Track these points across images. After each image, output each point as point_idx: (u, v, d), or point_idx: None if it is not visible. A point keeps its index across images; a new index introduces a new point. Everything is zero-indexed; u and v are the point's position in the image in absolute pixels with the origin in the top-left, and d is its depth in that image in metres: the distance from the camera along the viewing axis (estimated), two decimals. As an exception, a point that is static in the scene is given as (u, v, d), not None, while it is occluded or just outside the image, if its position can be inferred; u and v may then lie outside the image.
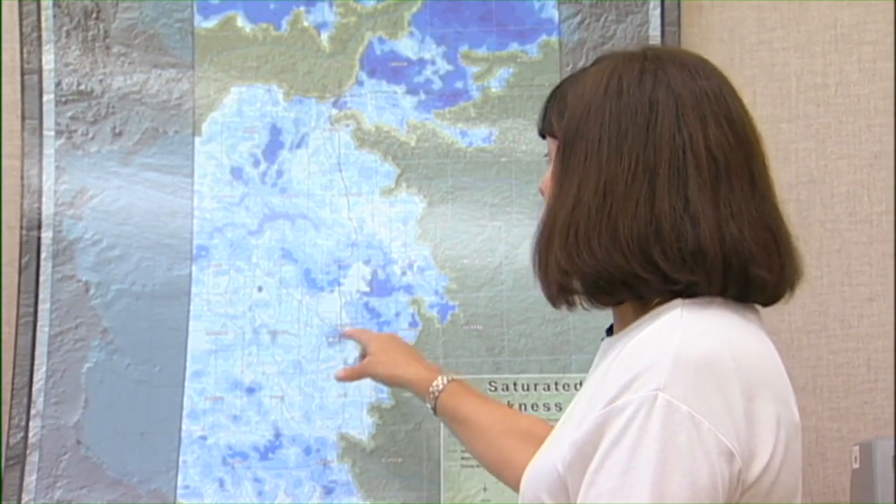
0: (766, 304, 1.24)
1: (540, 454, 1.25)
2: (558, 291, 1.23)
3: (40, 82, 2.00)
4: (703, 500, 1.08)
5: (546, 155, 1.32)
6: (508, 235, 1.93)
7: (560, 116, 1.25)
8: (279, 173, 1.98)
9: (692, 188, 1.17)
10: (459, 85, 1.98)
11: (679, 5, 1.96)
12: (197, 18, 2.01)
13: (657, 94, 1.20)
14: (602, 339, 1.31)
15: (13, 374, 1.94)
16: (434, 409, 1.66)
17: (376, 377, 1.77)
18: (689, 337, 1.13)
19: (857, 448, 1.70)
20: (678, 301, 1.18)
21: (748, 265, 1.18)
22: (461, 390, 1.66)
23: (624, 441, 1.09)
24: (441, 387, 1.65)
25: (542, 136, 1.32)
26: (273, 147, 1.99)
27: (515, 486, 1.52)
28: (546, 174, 1.30)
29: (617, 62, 1.25)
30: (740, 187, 1.19)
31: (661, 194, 1.17)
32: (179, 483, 1.90)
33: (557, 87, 1.30)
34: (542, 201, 1.30)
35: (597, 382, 1.19)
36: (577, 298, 1.23)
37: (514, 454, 1.56)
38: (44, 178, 1.98)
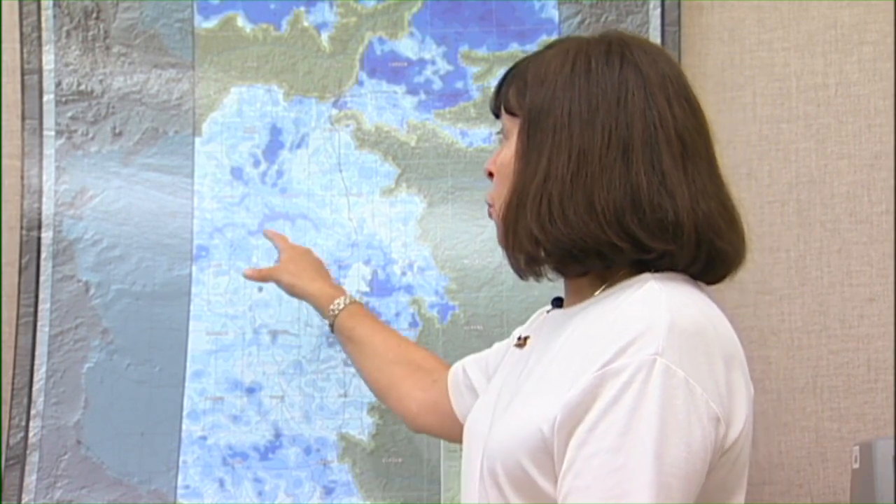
0: (718, 280, 1.28)
1: (504, 421, 1.25)
2: (527, 262, 1.26)
3: (40, 82, 2.00)
4: (696, 462, 1.12)
5: (499, 132, 1.35)
6: (508, 235, 1.93)
7: (520, 94, 1.28)
8: (279, 173, 1.98)
9: (666, 163, 1.22)
10: (459, 85, 1.98)
11: (679, 5, 1.96)
12: (197, 18, 2.01)
13: (626, 74, 1.24)
14: (547, 311, 1.34)
15: (13, 374, 1.94)
16: (332, 326, 1.72)
17: (280, 284, 1.81)
18: (676, 306, 1.16)
19: (857, 448, 1.70)
20: (647, 275, 1.22)
21: (714, 240, 1.23)
22: (360, 312, 1.72)
23: (622, 402, 1.11)
24: (342, 306, 1.71)
25: (497, 114, 1.34)
26: (273, 147, 1.99)
27: (398, 410, 1.64)
28: (495, 155, 1.33)
29: (581, 43, 1.28)
30: (703, 166, 1.25)
31: (636, 167, 1.21)
32: (179, 483, 1.90)
33: (513, 67, 1.33)
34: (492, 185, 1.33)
35: (575, 349, 1.20)
36: (544, 269, 1.27)
37: (401, 382, 1.64)
38: (44, 178, 1.98)
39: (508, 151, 1.29)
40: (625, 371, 1.12)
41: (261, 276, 1.84)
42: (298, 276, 1.78)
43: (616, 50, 1.26)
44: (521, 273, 1.29)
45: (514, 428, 1.21)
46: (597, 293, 1.25)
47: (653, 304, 1.17)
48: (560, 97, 1.24)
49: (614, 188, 1.20)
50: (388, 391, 1.67)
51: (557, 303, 1.35)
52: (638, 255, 1.21)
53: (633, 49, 1.26)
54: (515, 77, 1.31)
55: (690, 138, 1.24)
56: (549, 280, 1.29)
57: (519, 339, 1.39)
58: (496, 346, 1.55)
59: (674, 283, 1.21)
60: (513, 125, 1.30)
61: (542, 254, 1.24)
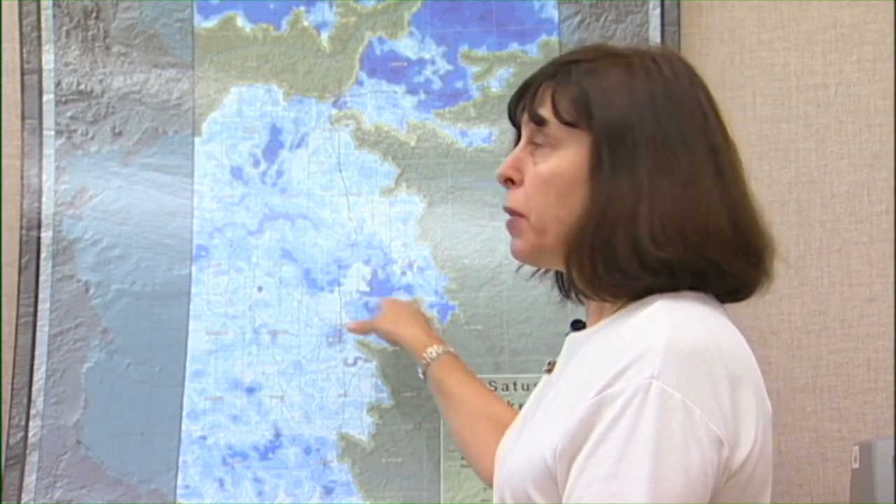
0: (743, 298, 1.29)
1: (516, 450, 1.26)
2: (616, 281, 1.23)
3: (40, 82, 2.00)
4: (696, 487, 1.10)
5: (532, 141, 1.29)
6: (508, 235, 1.92)
7: (582, 106, 1.25)
8: (279, 173, 1.98)
9: (743, 182, 1.26)
10: (459, 85, 1.98)
11: (679, 5, 1.96)
12: (197, 18, 2.01)
13: (697, 93, 1.26)
14: (567, 335, 1.33)
15: (13, 374, 1.94)
16: (424, 373, 1.74)
17: (380, 331, 1.85)
18: (677, 327, 1.15)
19: (857, 448, 1.70)
20: (656, 295, 1.21)
21: (768, 260, 1.27)
22: (452, 364, 1.73)
23: (618, 428, 1.10)
24: (434, 355, 1.73)
25: (537, 122, 1.28)
26: (273, 147, 1.99)
27: (475, 467, 1.62)
28: (515, 161, 1.29)
29: (642, 58, 1.27)
30: (748, 187, 1.28)
31: (730, 189, 1.23)
32: (179, 483, 1.90)
33: (555, 74, 1.28)
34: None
35: (582, 374, 1.20)
36: (618, 289, 1.24)
37: (482, 438, 1.63)
38: (44, 178, 1.98)
39: (564, 162, 1.25)
40: (621, 396, 1.11)
41: (362, 328, 1.87)
42: (396, 322, 1.81)
43: (681, 70, 1.27)
44: (579, 291, 1.27)
45: (521, 457, 1.21)
46: (609, 315, 1.25)
47: (652, 326, 1.15)
48: (644, 115, 1.23)
49: (720, 210, 1.21)
50: (469, 447, 1.67)
51: (576, 325, 1.34)
52: (730, 281, 1.23)
53: (691, 68, 1.29)
54: (564, 84, 1.27)
55: (740, 158, 1.28)
56: (581, 302, 1.30)
57: (549, 364, 1.38)
58: None
59: (681, 303, 1.20)
60: (569, 136, 1.25)
61: (643, 273, 1.21)
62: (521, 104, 1.32)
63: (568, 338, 1.34)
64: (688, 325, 1.15)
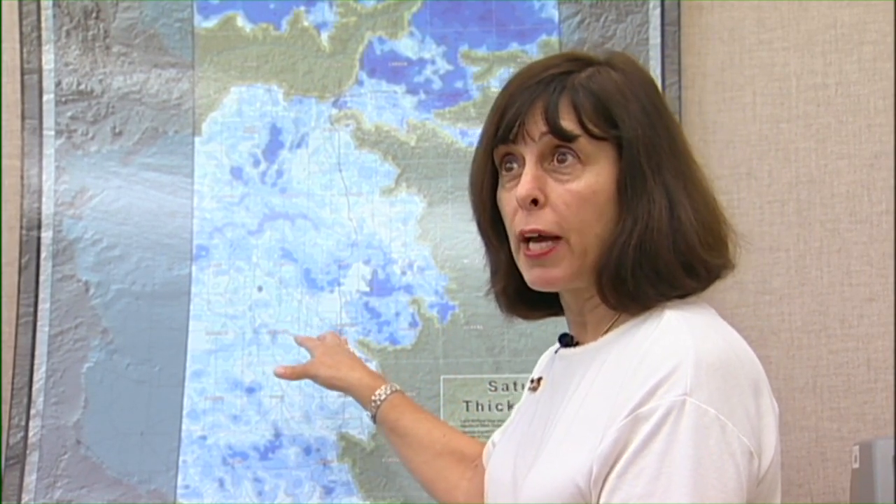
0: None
1: (533, 477, 1.22)
2: (665, 287, 1.21)
3: (40, 82, 2.00)
4: (734, 499, 1.10)
5: (537, 156, 1.24)
6: (508, 235, 1.92)
7: (605, 118, 1.22)
8: (279, 173, 1.98)
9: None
10: (459, 85, 1.98)
11: (679, 5, 1.96)
12: (197, 18, 2.01)
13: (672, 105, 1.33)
14: (556, 350, 1.31)
15: (13, 374, 1.94)
16: (373, 417, 1.70)
17: (317, 378, 1.78)
18: (700, 340, 1.14)
19: (857, 448, 1.70)
20: (661, 305, 1.20)
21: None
22: (402, 403, 1.68)
23: (653, 446, 1.09)
24: (384, 396, 1.68)
25: (564, 139, 1.23)
26: (273, 147, 1.99)
27: (446, 501, 1.57)
28: (534, 180, 1.23)
29: (632, 64, 1.29)
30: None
31: (705, 186, 1.27)
32: (179, 483, 1.90)
33: (564, 87, 1.24)
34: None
35: (601, 393, 1.18)
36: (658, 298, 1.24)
37: (448, 474, 1.59)
38: (44, 178, 1.98)
39: (598, 179, 1.22)
40: (655, 414, 1.10)
41: (296, 374, 1.80)
42: (336, 367, 1.75)
43: (645, 74, 1.31)
44: (614, 304, 1.23)
45: (547, 482, 1.19)
46: (612, 328, 1.23)
47: (676, 340, 1.14)
48: (658, 125, 1.24)
49: (714, 209, 1.25)
50: (435, 484, 1.62)
51: (565, 339, 1.32)
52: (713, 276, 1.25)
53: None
54: (582, 96, 1.23)
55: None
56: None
57: (532, 381, 1.37)
58: (516, 407, 1.50)
59: (692, 312, 1.19)
60: (597, 151, 1.22)
61: (689, 281, 1.21)
62: (518, 121, 1.26)
63: (558, 354, 1.32)
64: (708, 338, 1.15)
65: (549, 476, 1.19)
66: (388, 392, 1.69)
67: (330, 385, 1.78)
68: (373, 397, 1.69)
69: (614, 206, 1.22)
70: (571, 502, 1.15)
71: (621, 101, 1.23)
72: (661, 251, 1.19)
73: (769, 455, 1.14)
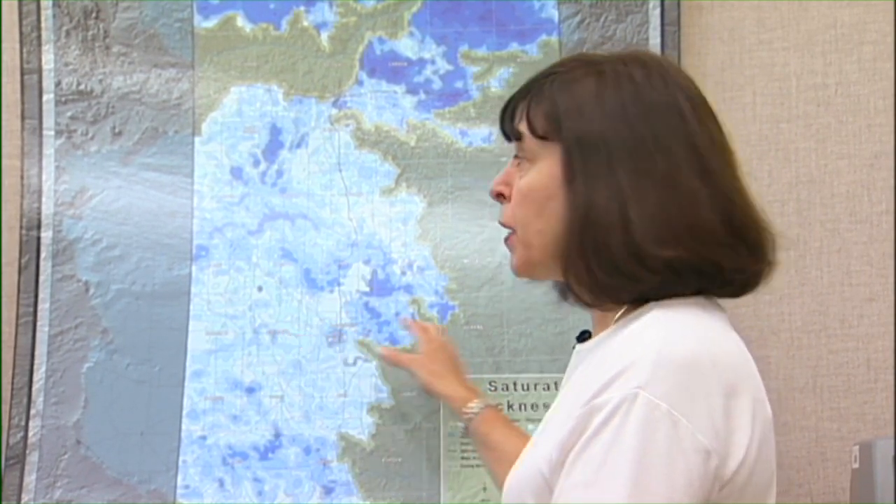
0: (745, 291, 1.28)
1: (521, 460, 1.26)
2: (620, 285, 1.22)
3: (40, 82, 2.00)
4: (680, 497, 1.10)
5: (517, 156, 1.31)
6: (508, 235, 1.92)
7: (552, 118, 1.26)
8: (279, 173, 1.98)
9: (726, 179, 1.24)
10: (459, 85, 1.98)
11: (679, 5, 1.96)
12: (197, 18, 2.01)
13: (673, 93, 1.24)
14: (574, 347, 1.33)
15: (13, 374, 1.94)
16: (466, 429, 1.78)
17: (415, 378, 1.84)
18: (669, 336, 1.15)
19: (857, 448, 1.70)
20: (652, 304, 1.21)
21: (768, 253, 1.26)
22: (494, 418, 1.75)
23: (601, 436, 1.11)
24: (476, 410, 1.75)
25: (514, 137, 1.30)
26: (273, 147, 1.99)
27: None
28: (506, 176, 1.30)
29: (612, 63, 1.27)
30: (741, 181, 1.27)
31: (715, 187, 1.22)
32: (179, 483, 1.90)
33: (531, 89, 1.30)
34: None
35: (580, 385, 1.20)
36: (624, 293, 1.24)
37: None
38: (44, 178, 1.98)
39: (539, 175, 1.26)
40: (608, 404, 1.11)
41: (397, 361, 1.86)
42: (437, 375, 1.81)
43: (655, 71, 1.26)
44: (618, 296, 1.24)
45: (524, 468, 1.22)
46: (610, 326, 1.24)
47: (644, 336, 1.16)
48: (615, 123, 1.23)
49: (708, 207, 1.21)
50: None
51: (582, 336, 1.33)
52: (734, 276, 1.22)
53: (669, 69, 1.27)
54: (538, 98, 1.28)
55: (728, 153, 1.26)
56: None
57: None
58: None
59: (677, 311, 1.20)
60: (543, 150, 1.26)
61: (646, 274, 1.21)
62: (506, 120, 1.34)
63: (574, 350, 1.34)
64: (681, 336, 1.15)
65: (528, 463, 1.22)
66: (482, 406, 1.75)
67: (426, 391, 1.84)
68: (465, 410, 1.76)
69: (558, 203, 1.24)
70: (538, 488, 1.17)
71: (577, 102, 1.25)
72: (612, 245, 1.21)
73: (738, 457, 1.13)
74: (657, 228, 1.20)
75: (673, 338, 1.15)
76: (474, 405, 1.75)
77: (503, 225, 1.31)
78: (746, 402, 1.15)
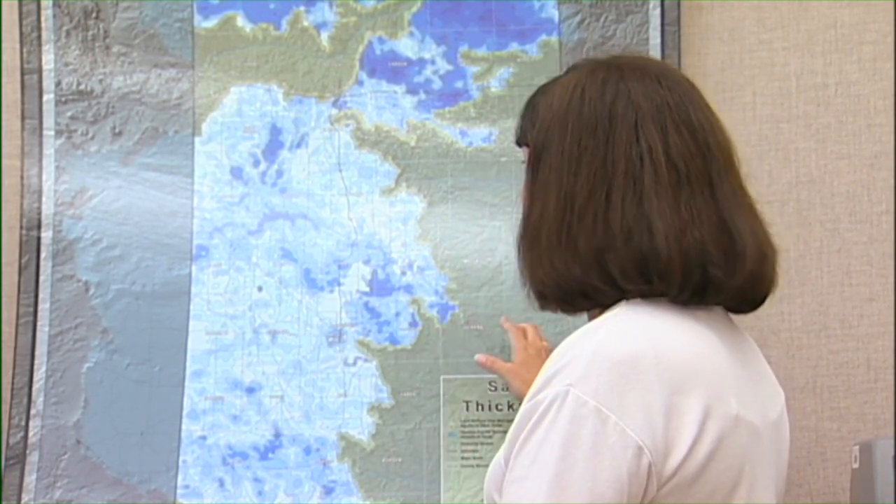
0: (737, 308, 1.29)
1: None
2: (537, 297, 1.28)
3: (40, 82, 2.00)
4: (606, 492, 1.11)
5: (524, 162, 1.34)
6: (508, 235, 1.92)
7: (532, 126, 1.29)
8: (279, 173, 1.98)
9: (648, 197, 1.20)
10: (459, 85, 1.98)
11: (679, 5, 1.96)
12: (197, 18, 2.01)
13: (617, 107, 1.23)
14: None
15: (13, 374, 1.94)
16: None
17: (508, 385, 1.81)
18: (610, 334, 1.16)
19: (857, 448, 1.70)
20: (623, 303, 1.22)
21: (706, 266, 1.20)
22: None
23: (536, 433, 1.14)
24: None
25: (519, 144, 1.36)
26: (273, 147, 1.99)
27: None
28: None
29: (582, 73, 1.27)
30: (700, 192, 1.22)
31: (615, 206, 1.20)
32: (179, 483, 1.90)
33: (532, 96, 1.35)
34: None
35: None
36: (551, 305, 1.28)
37: None
38: (44, 178, 1.98)
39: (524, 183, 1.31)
40: (543, 402, 1.14)
41: (493, 366, 1.83)
42: (529, 384, 1.79)
43: (611, 79, 1.25)
44: (542, 307, 1.29)
45: (490, 467, 1.25)
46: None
47: (588, 333, 1.18)
48: (556, 133, 1.24)
49: (596, 230, 1.20)
50: None
51: None
52: (619, 296, 1.21)
53: (629, 77, 1.25)
54: (530, 108, 1.33)
55: (686, 166, 1.22)
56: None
57: None
58: None
59: (639, 309, 1.20)
60: (527, 155, 1.32)
61: (536, 293, 1.26)
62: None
63: None
64: (623, 332, 1.17)
65: (493, 461, 1.25)
66: None
67: (516, 396, 1.81)
68: None
69: (523, 212, 1.29)
70: (499, 481, 1.20)
71: (546, 108, 1.27)
72: (523, 258, 1.27)
73: (680, 454, 1.14)
74: (546, 250, 1.23)
75: (613, 335, 1.16)
76: None
77: None
78: (696, 400, 1.15)
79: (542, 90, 1.32)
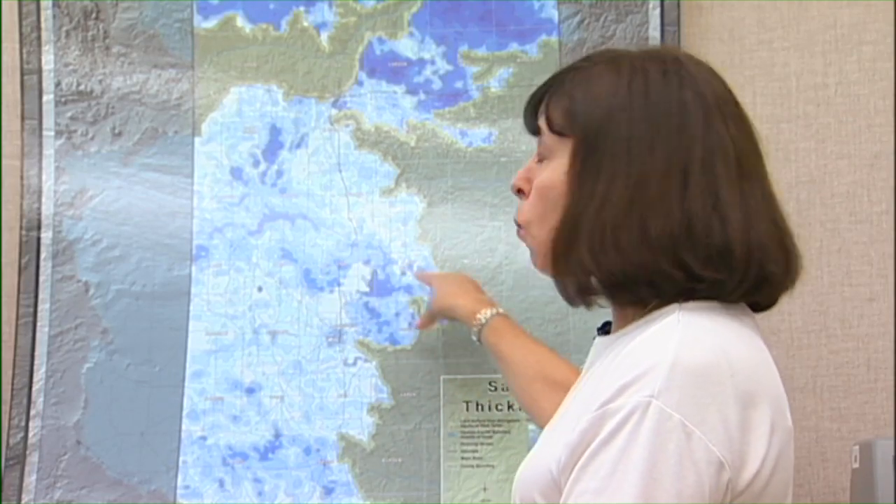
0: (769, 304, 1.25)
1: (533, 454, 1.26)
2: (577, 291, 1.23)
3: (40, 82, 2.00)
4: None
5: (539, 152, 1.30)
6: (508, 235, 1.92)
7: (569, 113, 1.24)
8: (279, 173, 1.98)
9: (722, 187, 1.19)
10: (459, 85, 1.98)
11: (679, 5, 1.96)
12: (197, 18, 2.01)
13: (685, 94, 1.22)
14: (594, 338, 1.32)
15: (13, 374, 1.94)
16: (479, 340, 1.76)
17: (436, 314, 1.85)
18: (686, 343, 1.13)
19: (857, 448, 1.70)
20: (675, 305, 1.19)
21: (766, 262, 1.19)
22: (503, 327, 1.74)
23: (613, 444, 1.09)
24: (484, 321, 1.74)
25: (535, 132, 1.30)
26: (273, 147, 1.99)
27: (540, 426, 1.59)
28: (527, 171, 1.30)
29: (633, 59, 1.25)
30: (758, 186, 1.22)
31: (693, 193, 1.18)
32: (179, 483, 1.90)
33: (551, 82, 1.29)
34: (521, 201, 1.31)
35: (594, 383, 1.19)
36: (594, 297, 1.24)
37: (541, 399, 1.64)
38: (44, 178, 1.98)
39: (553, 173, 1.25)
40: (620, 412, 1.10)
41: (428, 321, 1.88)
42: (447, 295, 1.82)
43: (673, 69, 1.23)
44: (572, 300, 1.25)
45: (533, 464, 1.21)
46: (632, 323, 1.23)
47: (661, 341, 1.14)
48: (618, 118, 1.21)
49: (671, 215, 1.18)
50: (531, 409, 1.69)
51: (603, 328, 1.32)
52: (690, 284, 1.18)
53: (690, 68, 1.24)
54: (558, 93, 1.27)
55: (747, 159, 1.22)
56: (601, 306, 1.26)
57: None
58: None
59: (699, 314, 1.18)
60: (559, 145, 1.25)
61: (594, 283, 1.21)
62: (528, 115, 1.33)
63: (595, 341, 1.33)
64: (698, 341, 1.14)
65: (537, 459, 1.21)
66: (489, 316, 1.74)
67: (444, 315, 1.84)
68: (474, 322, 1.75)
69: (565, 201, 1.24)
70: (545, 486, 1.16)
71: (591, 97, 1.23)
72: (578, 247, 1.21)
73: (753, 468, 1.12)
74: (600, 237, 1.19)
75: (690, 343, 1.13)
76: (482, 315, 1.74)
77: (516, 222, 1.31)
78: (765, 413, 1.14)
79: (574, 77, 1.26)
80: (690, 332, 1.15)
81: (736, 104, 1.26)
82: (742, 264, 1.18)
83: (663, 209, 1.18)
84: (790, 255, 1.23)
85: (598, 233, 1.19)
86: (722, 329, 1.17)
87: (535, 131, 1.30)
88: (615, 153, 1.20)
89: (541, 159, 1.29)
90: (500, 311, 1.76)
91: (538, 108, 1.30)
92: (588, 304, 1.25)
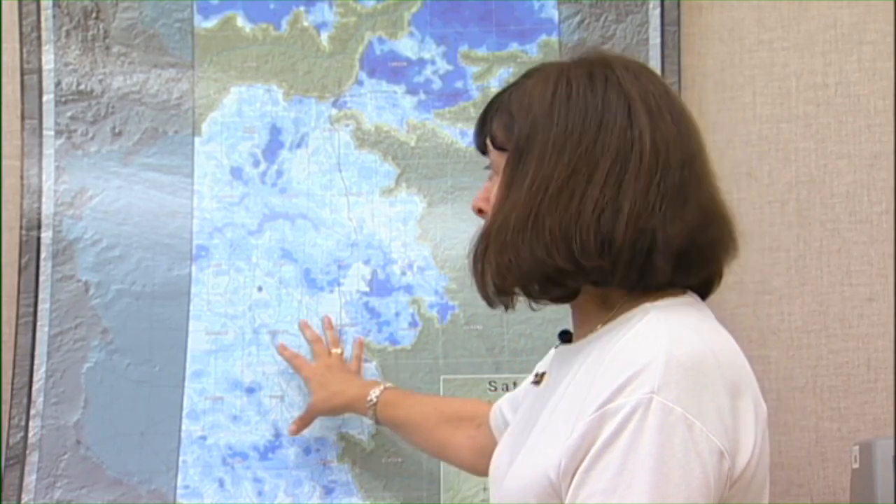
0: (703, 293, 1.28)
1: (513, 467, 1.25)
2: (495, 293, 1.26)
3: (40, 82, 2.00)
4: (698, 500, 1.10)
5: (487, 167, 1.32)
6: (508, 235, 1.92)
7: (507, 129, 1.26)
8: (279, 173, 1.98)
9: (628, 180, 1.20)
10: (459, 85, 1.98)
11: (679, 5, 1.96)
12: (197, 18, 2.01)
13: (609, 95, 1.23)
14: (556, 347, 1.32)
15: (13, 374, 1.94)
16: (376, 421, 1.79)
17: (322, 414, 1.86)
18: (675, 339, 1.14)
19: (857, 448, 1.70)
20: (648, 304, 1.21)
21: (652, 253, 1.19)
22: (392, 398, 1.77)
23: (618, 443, 1.10)
24: (374, 400, 1.77)
25: (483, 150, 1.32)
26: (273, 147, 1.99)
27: (456, 464, 1.70)
28: (485, 192, 1.31)
29: (562, 67, 1.27)
30: (679, 177, 1.21)
31: (594, 188, 1.20)
32: (179, 483, 1.90)
33: (496, 100, 1.31)
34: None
35: (578, 389, 1.20)
36: (514, 299, 1.27)
37: (451, 439, 1.69)
38: (44, 178, 1.98)
39: (498, 188, 1.27)
40: (621, 411, 1.11)
41: (304, 424, 1.87)
42: (331, 397, 1.83)
43: (599, 71, 1.24)
44: (491, 302, 1.28)
45: (522, 473, 1.21)
46: (600, 326, 1.24)
47: (651, 338, 1.15)
48: (542, 126, 1.23)
49: (567, 212, 1.19)
50: (443, 452, 1.73)
51: (564, 336, 1.33)
52: (580, 276, 1.21)
53: (616, 68, 1.25)
54: (499, 110, 1.28)
55: (667, 150, 1.21)
56: (532, 309, 1.28)
57: (536, 375, 1.38)
58: (524, 383, 1.53)
59: (674, 311, 1.20)
60: (502, 160, 1.27)
61: (509, 284, 1.24)
62: (477, 135, 1.35)
63: (556, 350, 1.34)
64: (685, 337, 1.15)
65: (527, 468, 1.21)
66: (378, 394, 1.77)
67: (333, 414, 1.86)
68: (365, 405, 1.78)
69: (495, 209, 1.27)
70: (542, 493, 1.17)
71: (524, 107, 1.25)
72: (489, 250, 1.25)
73: (746, 456, 1.14)
74: (505, 237, 1.22)
75: (679, 340, 1.15)
76: (371, 395, 1.77)
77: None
78: (749, 401, 1.16)
79: (512, 92, 1.28)
80: (676, 329, 1.16)
81: (672, 100, 1.26)
82: (627, 253, 1.19)
83: (560, 206, 1.20)
84: (714, 242, 1.23)
85: (502, 237, 1.22)
86: (697, 323, 1.20)
87: (483, 150, 1.32)
88: (535, 159, 1.22)
89: (491, 177, 1.31)
90: (386, 384, 1.80)
91: (484, 127, 1.31)
92: (506, 306, 1.28)
